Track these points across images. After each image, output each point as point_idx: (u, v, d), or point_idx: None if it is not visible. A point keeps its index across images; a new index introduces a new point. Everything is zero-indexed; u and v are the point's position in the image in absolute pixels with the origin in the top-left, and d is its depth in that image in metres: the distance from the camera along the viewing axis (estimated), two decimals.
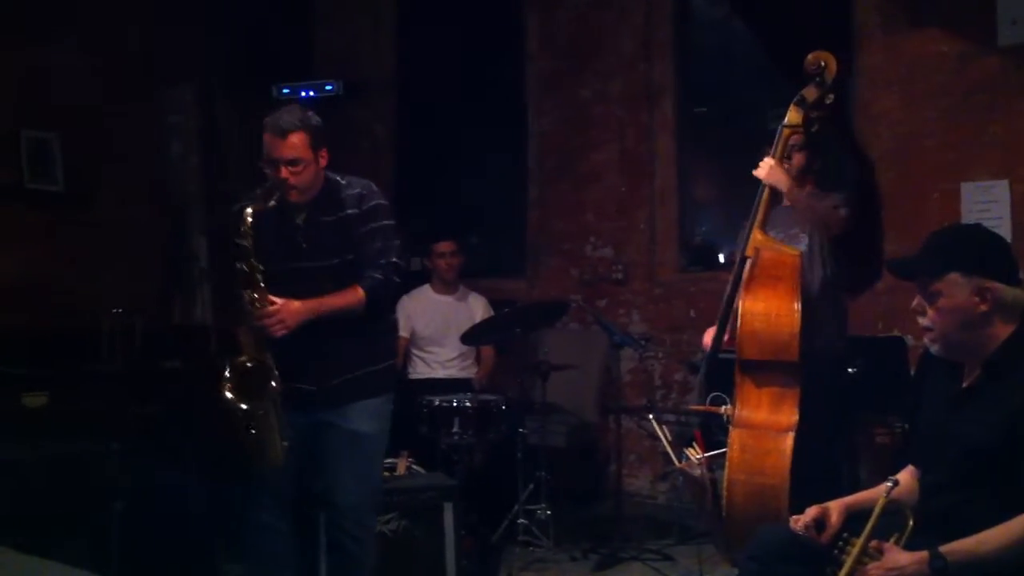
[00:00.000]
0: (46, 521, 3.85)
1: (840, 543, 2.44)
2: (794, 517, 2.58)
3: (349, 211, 3.28)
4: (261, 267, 3.09)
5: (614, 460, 5.44)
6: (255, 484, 3.29)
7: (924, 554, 2.29)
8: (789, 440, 3.44)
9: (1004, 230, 4.61)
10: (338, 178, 3.35)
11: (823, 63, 3.73)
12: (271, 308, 3.08)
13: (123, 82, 5.94)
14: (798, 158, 3.89)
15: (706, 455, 3.68)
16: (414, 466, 4.43)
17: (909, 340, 4.59)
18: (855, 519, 2.50)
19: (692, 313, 5.89)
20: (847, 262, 3.91)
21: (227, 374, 3.07)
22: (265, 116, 3.24)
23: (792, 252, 3.68)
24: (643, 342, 5.43)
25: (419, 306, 5.58)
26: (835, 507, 2.55)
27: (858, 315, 4.38)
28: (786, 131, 3.78)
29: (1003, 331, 2.42)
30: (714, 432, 3.80)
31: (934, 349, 2.52)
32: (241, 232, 3.06)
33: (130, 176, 6.03)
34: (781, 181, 3.78)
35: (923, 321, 2.49)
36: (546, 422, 5.11)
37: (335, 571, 3.49)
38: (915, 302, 2.50)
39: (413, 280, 5.24)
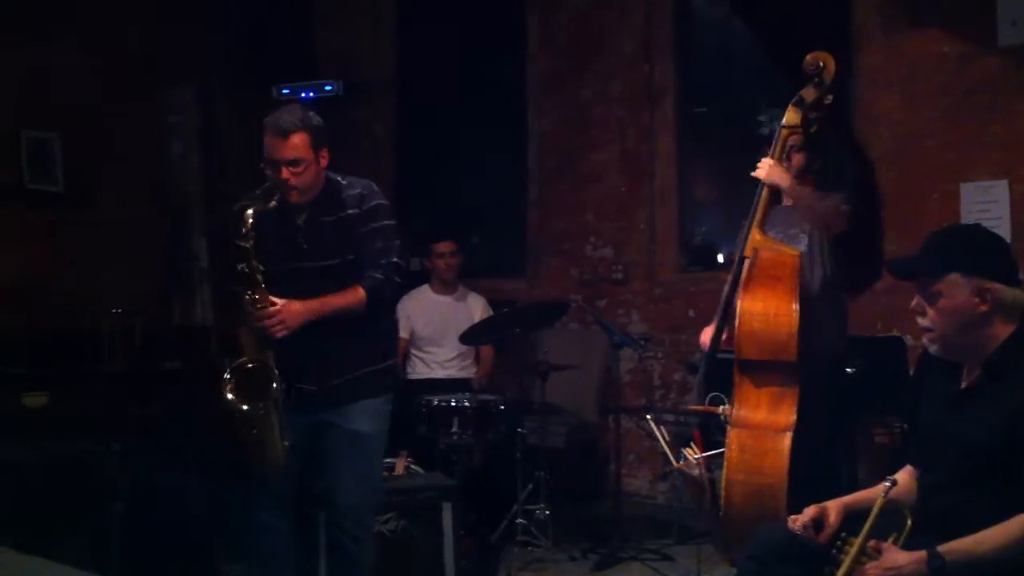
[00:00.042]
0: (46, 521, 3.85)
1: (838, 543, 2.43)
2: (792, 517, 2.58)
3: (350, 211, 3.28)
4: (262, 268, 3.08)
5: (613, 460, 5.45)
6: (256, 484, 3.29)
7: (922, 554, 2.29)
8: (787, 440, 3.44)
9: (1003, 230, 4.61)
10: (339, 178, 3.35)
11: (821, 64, 3.73)
12: (272, 309, 3.08)
13: (123, 82, 5.95)
14: (797, 159, 3.88)
15: (704, 455, 3.68)
16: (413, 466, 4.43)
17: (908, 340, 4.59)
18: (853, 519, 2.49)
19: (691, 313, 5.89)
20: (847, 262, 3.91)
21: (228, 375, 3.07)
22: (265, 116, 3.24)
23: (791, 252, 3.67)
24: (642, 342, 5.43)
25: (418, 306, 5.58)
26: (833, 507, 2.55)
27: (857, 315, 4.38)
28: (784, 132, 3.78)
29: (1003, 331, 2.42)
30: (713, 432, 3.80)
31: (933, 349, 2.52)
32: (242, 233, 3.06)
33: (130, 176, 6.04)
34: (782, 179, 3.77)
35: (922, 321, 2.49)
36: (545, 422, 5.11)
37: (334, 571, 3.49)
38: (914, 302, 2.50)
39: (413, 280, 5.24)
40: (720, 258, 6.10)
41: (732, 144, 5.80)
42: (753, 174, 3.79)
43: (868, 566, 2.34)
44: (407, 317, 5.50)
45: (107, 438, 4.26)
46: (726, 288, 3.79)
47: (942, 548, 2.29)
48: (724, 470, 3.52)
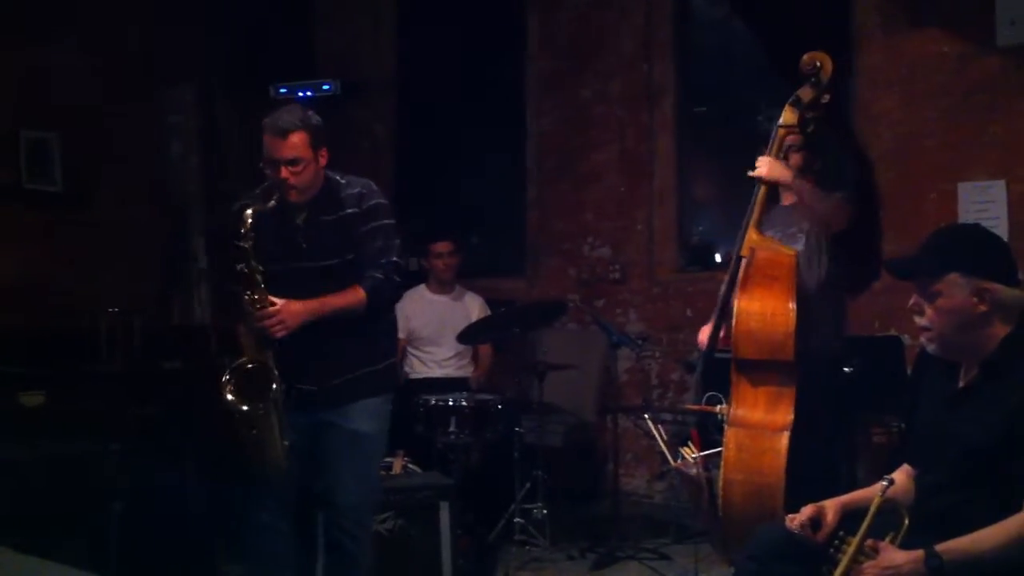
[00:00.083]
0: (45, 521, 3.85)
1: (836, 542, 2.43)
2: (790, 516, 2.58)
3: (349, 210, 3.28)
4: (261, 268, 3.08)
5: (611, 459, 5.44)
6: (256, 485, 3.29)
7: (920, 553, 2.29)
8: (785, 439, 3.44)
9: (1001, 230, 4.60)
10: (338, 177, 3.35)
11: (818, 63, 3.72)
12: (271, 309, 3.07)
13: (123, 82, 5.96)
14: (796, 159, 3.87)
15: (702, 454, 3.68)
16: (410, 465, 4.43)
17: (906, 339, 4.59)
18: (851, 518, 2.50)
19: (689, 313, 5.89)
20: (846, 261, 3.91)
21: (228, 376, 3.07)
22: (265, 116, 3.24)
23: (788, 252, 3.67)
24: (640, 342, 5.43)
25: (415, 306, 5.58)
26: (831, 506, 2.55)
27: (855, 314, 4.38)
28: (781, 131, 3.77)
29: (1001, 331, 2.42)
30: (710, 431, 3.79)
31: (931, 348, 2.51)
32: (242, 234, 3.05)
33: (129, 176, 6.04)
34: (783, 174, 3.76)
35: (920, 320, 2.49)
36: (543, 421, 5.12)
37: (332, 570, 3.48)
38: (912, 301, 2.50)
39: (411, 280, 5.24)
40: (718, 258, 6.10)
41: (731, 144, 5.80)
42: (751, 174, 3.77)
43: (866, 565, 2.35)
44: (405, 317, 5.49)
45: (106, 438, 4.26)
46: (723, 287, 3.79)
47: (940, 547, 2.29)
48: (722, 469, 3.52)
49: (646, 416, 4.23)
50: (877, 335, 4.92)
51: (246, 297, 3.08)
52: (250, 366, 3.09)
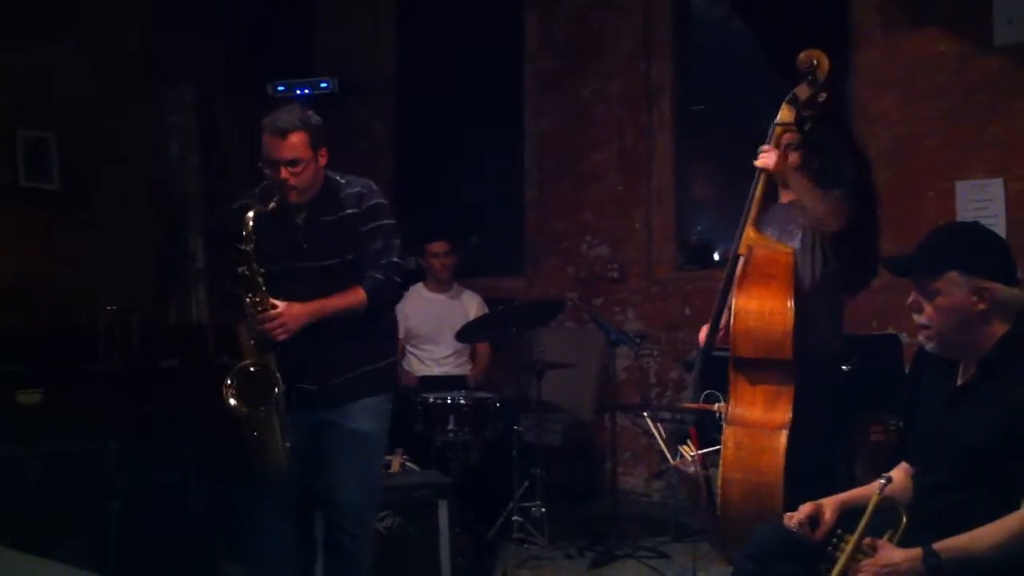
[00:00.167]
0: (43, 520, 3.85)
1: (834, 540, 2.44)
2: (788, 514, 2.58)
3: (349, 210, 3.28)
4: (263, 271, 3.08)
5: (609, 458, 5.45)
6: (257, 485, 3.29)
7: (918, 551, 2.29)
8: (783, 438, 3.44)
9: (999, 228, 4.60)
10: (338, 177, 3.35)
11: (815, 61, 3.71)
12: (273, 312, 3.07)
13: (123, 82, 5.95)
14: (794, 157, 3.86)
15: (700, 452, 3.67)
16: (408, 463, 4.43)
17: (904, 338, 4.59)
18: (849, 516, 2.50)
19: (688, 311, 5.90)
20: (844, 260, 3.90)
21: (230, 379, 3.06)
22: (264, 116, 3.23)
23: (786, 250, 3.66)
24: (638, 340, 5.44)
25: (413, 304, 5.58)
26: (829, 504, 2.55)
27: (853, 313, 4.38)
28: (778, 129, 3.76)
29: (1000, 330, 2.42)
30: (709, 430, 3.79)
31: (929, 347, 2.52)
32: (243, 237, 3.05)
33: (128, 176, 6.04)
34: (787, 164, 3.76)
35: (918, 318, 2.49)
36: (541, 420, 5.12)
37: (332, 569, 3.49)
38: (911, 299, 2.50)
39: (411, 279, 5.24)
40: (716, 256, 6.11)
41: (729, 143, 5.80)
42: (756, 163, 3.74)
43: (864, 563, 2.35)
44: (404, 317, 5.51)
45: (104, 437, 4.26)
46: (721, 286, 3.78)
47: (938, 545, 2.29)
48: (720, 468, 3.51)
49: (644, 414, 4.23)
50: (875, 333, 4.92)
51: (247, 300, 3.07)
52: (252, 369, 3.08)
